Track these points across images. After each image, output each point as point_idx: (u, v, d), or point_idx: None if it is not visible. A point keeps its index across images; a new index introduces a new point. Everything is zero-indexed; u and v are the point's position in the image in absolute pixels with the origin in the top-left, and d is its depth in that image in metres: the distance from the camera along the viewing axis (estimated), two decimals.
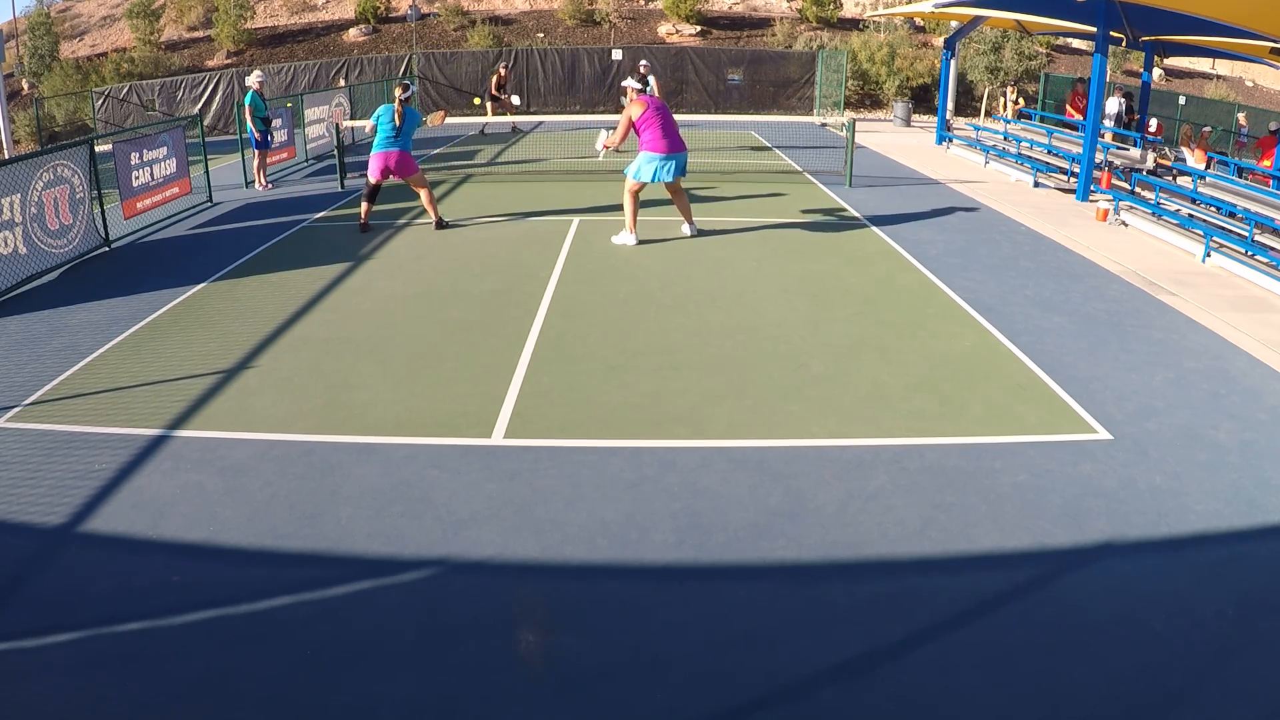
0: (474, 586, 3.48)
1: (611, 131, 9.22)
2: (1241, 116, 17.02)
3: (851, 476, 4.31)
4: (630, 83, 8.99)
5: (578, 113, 23.12)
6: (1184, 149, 13.15)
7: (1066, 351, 6.00)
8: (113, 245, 8.95)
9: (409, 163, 9.23)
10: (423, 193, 9.53)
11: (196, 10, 26.99)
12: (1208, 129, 15.28)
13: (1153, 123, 15.23)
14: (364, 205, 9.51)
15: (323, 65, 22.94)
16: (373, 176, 9.25)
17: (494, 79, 17.92)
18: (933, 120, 20.89)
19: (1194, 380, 5.58)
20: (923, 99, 24.10)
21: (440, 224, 9.52)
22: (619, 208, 10.61)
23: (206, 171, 11.51)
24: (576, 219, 9.93)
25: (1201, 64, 27.38)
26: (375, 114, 9.11)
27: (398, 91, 9.19)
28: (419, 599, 3.41)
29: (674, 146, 8.71)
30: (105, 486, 4.17)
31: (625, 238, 8.90)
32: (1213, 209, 9.66)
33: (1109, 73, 17.37)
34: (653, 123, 8.62)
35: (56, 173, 8.03)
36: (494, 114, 17.71)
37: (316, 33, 26.58)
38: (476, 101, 18.68)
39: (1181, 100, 21.11)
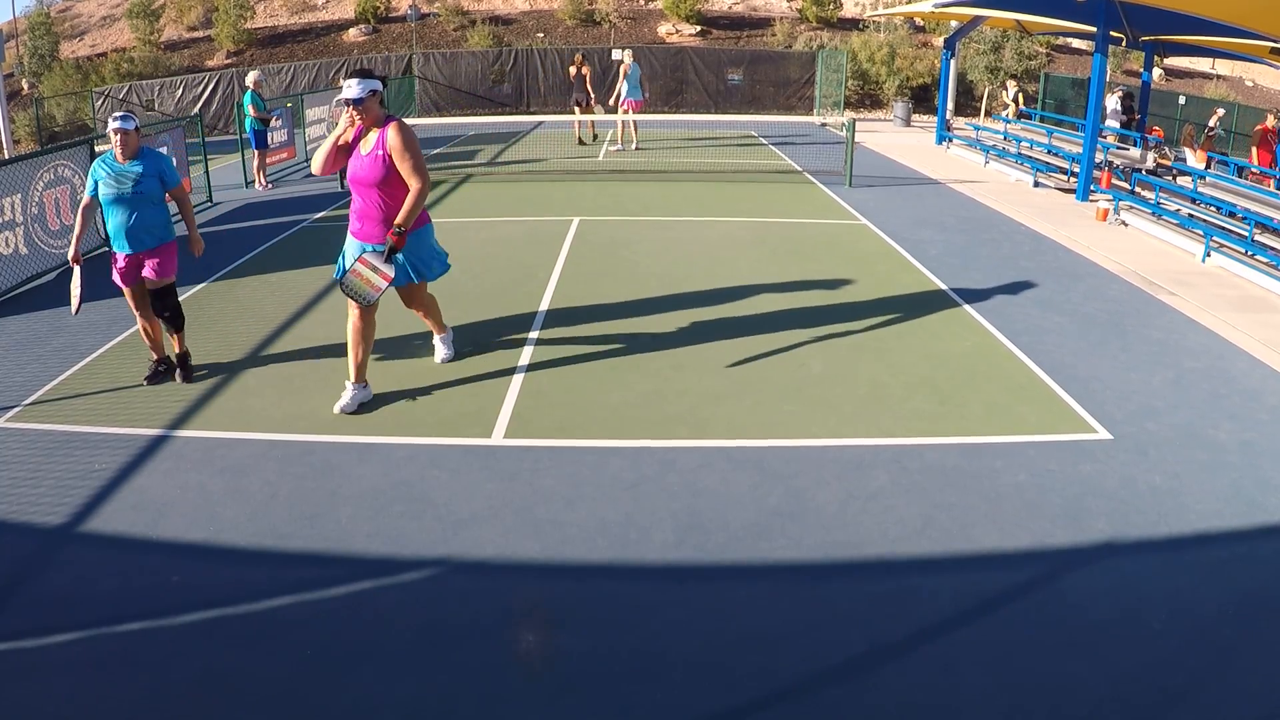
0: (474, 586, 3.48)
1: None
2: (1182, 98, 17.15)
3: (851, 476, 4.31)
4: (357, 88, 4.69)
5: (575, 113, 23.08)
6: (1185, 149, 13.14)
7: (1066, 351, 6.00)
8: None
9: (164, 263, 5.29)
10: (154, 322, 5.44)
11: (196, 10, 26.97)
12: (1214, 129, 15.25)
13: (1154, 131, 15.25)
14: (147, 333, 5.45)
15: (323, 65, 22.92)
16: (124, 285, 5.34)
17: (587, 75, 15.77)
18: (933, 120, 20.89)
19: (1194, 380, 5.58)
20: (923, 99, 24.08)
21: (185, 364, 5.50)
22: (619, 207, 10.65)
23: (206, 171, 11.51)
24: (576, 219, 9.93)
25: (1201, 64, 27.37)
26: (92, 175, 5.19)
27: (111, 135, 5.13)
28: (419, 599, 3.41)
29: (363, 230, 4.92)
30: (105, 486, 4.17)
31: (346, 395, 5.01)
32: (1213, 209, 9.66)
33: (1109, 73, 17.36)
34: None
35: (57, 173, 8.03)
36: (583, 112, 15.94)
37: (316, 33, 26.57)
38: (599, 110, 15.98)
39: (1181, 100, 21.10)
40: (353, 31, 26.30)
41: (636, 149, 15.63)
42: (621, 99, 15.52)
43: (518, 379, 5.46)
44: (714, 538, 3.79)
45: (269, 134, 12.65)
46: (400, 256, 4.90)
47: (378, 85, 4.78)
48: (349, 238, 5.01)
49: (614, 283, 7.47)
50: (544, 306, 6.84)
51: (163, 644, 3.13)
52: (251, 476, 4.27)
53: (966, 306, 6.95)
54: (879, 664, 3.07)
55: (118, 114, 5.19)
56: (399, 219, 4.75)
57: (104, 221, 5.25)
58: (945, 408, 5.10)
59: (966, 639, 3.19)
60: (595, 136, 16.97)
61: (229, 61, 24.90)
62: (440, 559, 3.64)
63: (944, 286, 7.49)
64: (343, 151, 4.88)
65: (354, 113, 4.74)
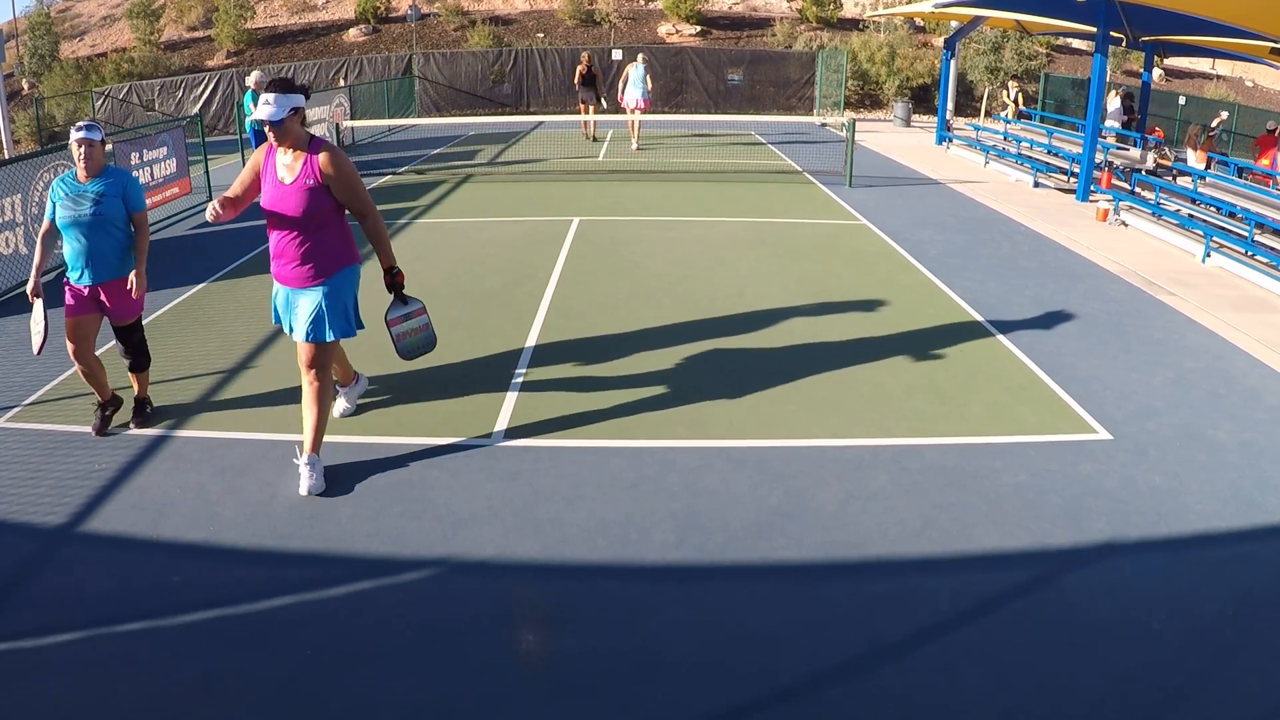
0: (474, 586, 3.48)
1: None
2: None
3: (851, 476, 4.31)
4: (275, 106, 3.88)
5: (578, 113, 23.12)
6: (1189, 149, 13.14)
7: (1066, 351, 6.00)
8: None
9: (128, 296, 4.65)
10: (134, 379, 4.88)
11: (196, 10, 26.98)
12: (1215, 129, 15.24)
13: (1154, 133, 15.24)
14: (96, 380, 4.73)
15: (323, 65, 22.93)
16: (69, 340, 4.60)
17: (599, 74, 16.81)
18: (933, 120, 20.90)
19: (1194, 380, 5.58)
20: (923, 99, 24.09)
21: (141, 410, 4.88)
22: (619, 207, 10.65)
23: (206, 171, 11.51)
24: (576, 219, 9.93)
25: (1201, 64, 27.37)
26: (51, 197, 4.54)
27: (73, 148, 4.54)
28: (419, 599, 3.41)
29: (281, 273, 4.18)
30: (105, 486, 4.17)
31: (341, 399, 4.91)
32: (1213, 209, 9.66)
33: (1109, 73, 17.36)
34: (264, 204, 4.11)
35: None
36: (586, 113, 16.97)
37: (316, 33, 26.58)
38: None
39: (1181, 100, 21.11)
40: (353, 31, 26.31)
41: (636, 149, 15.70)
42: (627, 99, 15.90)
43: (518, 379, 5.46)
44: (714, 538, 3.79)
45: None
46: (323, 303, 4.09)
47: (299, 100, 3.94)
48: (276, 286, 4.24)
49: (614, 283, 7.47)
50: (544, 307, 6.84)
51: (163, 644, 3.13)
52: (251, 476, 4.27)
53: (967, 307, 6.95)
54: (879, 664, 3.06)
55: (82, 123, 4.54)
56: (385, 260, 4.23)
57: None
58: (945, 408, 5.10)
59: (966, 639, 3.19)
60: (595, 138, 17.17)
61: (229, 61, 24.91)
62: (440, 559, 3.64)
63: (944, 287, 7.49)
64: (235, 201, 4.04)
65: (270, 134, 3.93)
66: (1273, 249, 8.09)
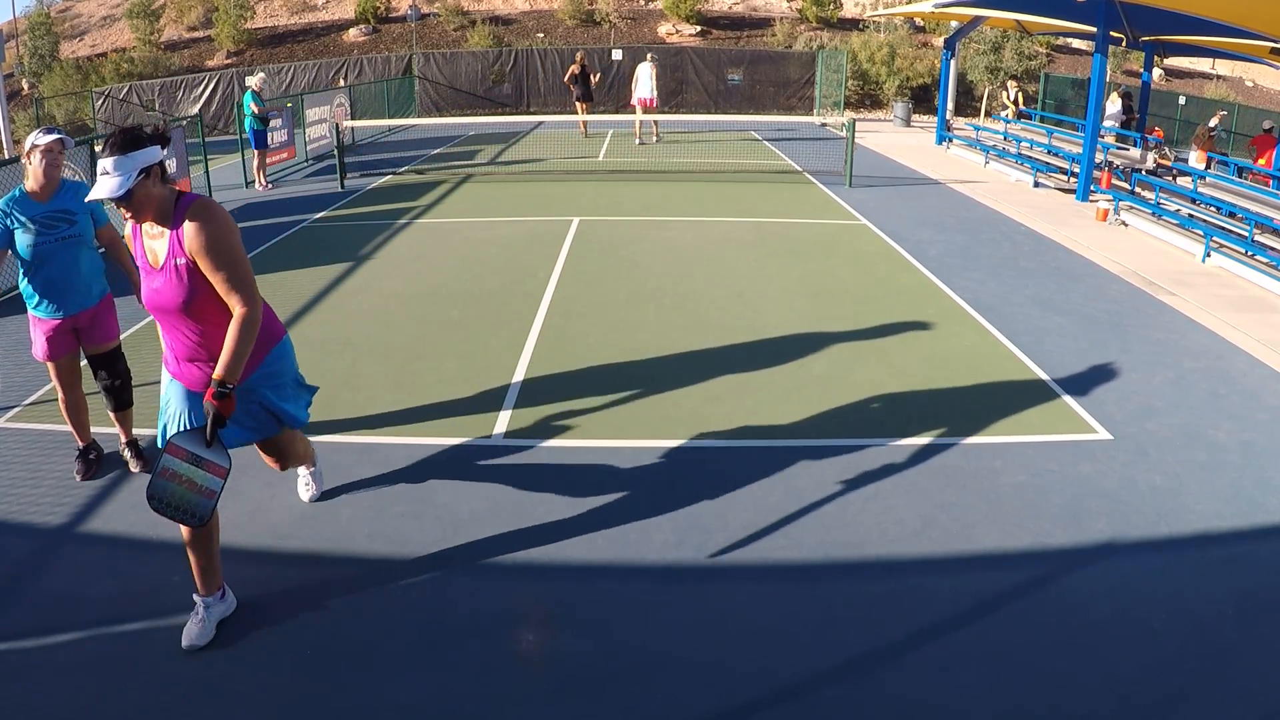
0: (474, 586, 3.48)
1: None
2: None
3: (851, 476, 4.31)
4: (117, 177, 2.80)
5: (575, 112, 23.12)
6: (1193, 148, 13.14)
7: (1066, 351, 6.00)
8: None
9: (108, 320, 4.28)
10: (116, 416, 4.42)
11: (196, 10, 26.98)
12: (1214, 129, 15.25)
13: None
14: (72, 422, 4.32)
15: (323, 65, 22.94)
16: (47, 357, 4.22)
17: (594, 75, 17.50)
18: (933, 120, 20.90)
19: (1194, 380, 5.58)
20: (923, 99, 24.10)
21: (139, 452, 4.42)
22: (619, 207, 10.66)
23: (206, 171, 11.52)
24: (576, 219, 9.93)
25: (1201, 64, 27.38)
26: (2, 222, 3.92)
27: (35, 157, 3.93)
28: (419, 599, 3.41)
29: (193, 375, 3.16)
30: (105, 486, 4.18)
31: (305, 480, 4.11)
32: (1213, 209, 9.66)
33: (1109, 73, 17.37)
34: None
35: None
36: (580, 112, 17.60)
37: (316, 33, 26.58)
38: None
39: (1181, 100, 21.11)
40: (353, 31, 26.31)
41: (646, 143, 16.35)
42: (637, 96, 16.65)
43: (518, 379, 5.46)
44: (714, 538, 3.79)
45: (269, 134, 12.65)
46: (270, 397, 3.28)
47: (151, 156, 2.87)
48: (168, 381, 3.23)
49: (614, 283, 7.47)
50: (544, 306, 6.83)
51: (163, 645, 3.13)
52: (251, 476, 4.26)
53: (966, 306, 6.95)
54: (879, 664, 3.07)
55: (51, 128, 3.98)
56: (221, 370, 2.93)
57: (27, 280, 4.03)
58: (945, 408, 5.10)
59: (966, 639, 3.19)
60: (587, 134, 17.69)
61: (229, 61, 24.91)
62: (440, 559, 3.64)
63: (944, 286, 7.49)
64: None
65: (124, 213, 2.90)
66: (1273, 249, 8.09)
